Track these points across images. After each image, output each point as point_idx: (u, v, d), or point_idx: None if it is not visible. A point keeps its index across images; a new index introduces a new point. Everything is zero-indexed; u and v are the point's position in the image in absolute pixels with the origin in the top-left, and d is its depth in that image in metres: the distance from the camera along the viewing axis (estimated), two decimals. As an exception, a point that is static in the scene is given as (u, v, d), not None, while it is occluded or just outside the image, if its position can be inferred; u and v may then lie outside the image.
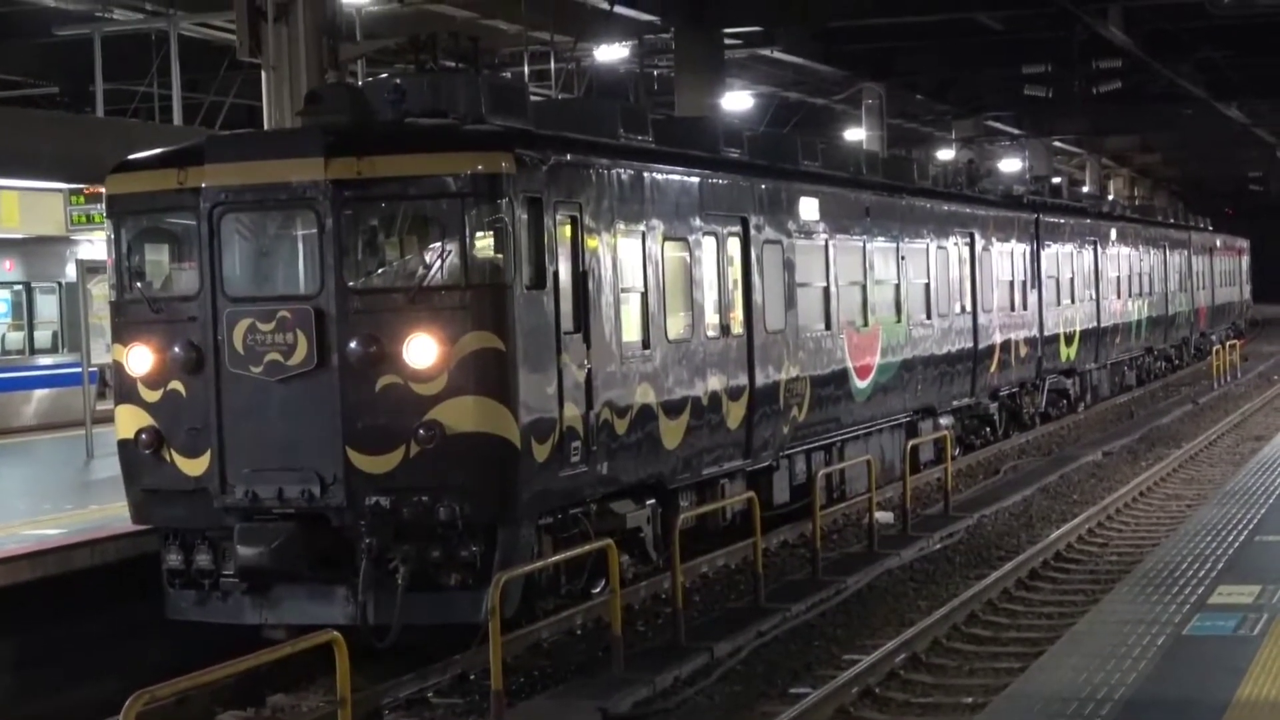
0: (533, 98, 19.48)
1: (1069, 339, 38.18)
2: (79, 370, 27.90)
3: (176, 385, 15.77)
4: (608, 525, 17.28)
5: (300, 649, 11.25)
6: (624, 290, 17.62)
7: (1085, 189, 65.64)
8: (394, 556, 15.13)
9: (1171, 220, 56.38)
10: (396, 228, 15.80)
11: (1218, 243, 64.64)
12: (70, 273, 32.72)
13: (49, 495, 20.91)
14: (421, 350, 15.12)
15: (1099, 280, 41.42)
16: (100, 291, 27.68)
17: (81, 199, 31.04)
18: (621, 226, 17.62)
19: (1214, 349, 51.48)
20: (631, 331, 17.83)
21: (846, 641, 16.52)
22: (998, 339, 32.24)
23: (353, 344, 15.20)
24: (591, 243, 16.89)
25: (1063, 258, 38.17)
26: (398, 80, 17.02)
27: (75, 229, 32.34)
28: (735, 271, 20.57)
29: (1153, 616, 13.43)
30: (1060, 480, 28.08)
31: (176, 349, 15.67)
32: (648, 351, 18.11)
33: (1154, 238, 50.07)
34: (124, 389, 16.13)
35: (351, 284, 15.38)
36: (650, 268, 18.23)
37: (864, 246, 25.21)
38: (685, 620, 16.34)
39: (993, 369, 31.93)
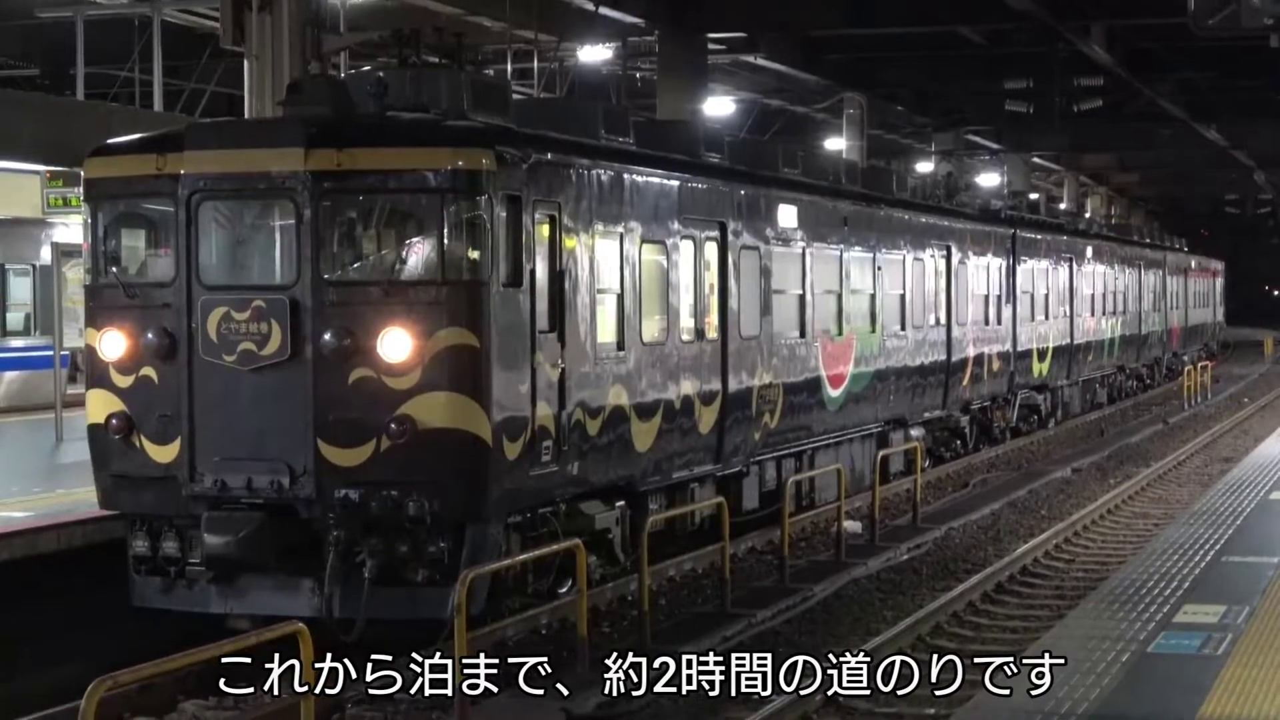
0: (515, 96, 19.46)
1: (1042, 354, 38.27)
2: (51, 353, 27.82)
3: (149, 371, 15.74)
4: (576, 525, 17.27)
5: (265, 639, 11.21)
6: (600, 291, 17.62)
7: (1062, 206, 65.80)
8: (361, 550, 15.12)
9: (1147, 240, 56.53)
10: (374, 221, 15.78)
11: (1192, 264, 64.84)
12: (45, 255, 32.62)
13: (16, 478, 20.84)
14: (395, 344, 15.10)
15: (1073, 297, 41.53)
16: (75, 275, 27.62)
17: (60, 182, 30.97)
18: (600, 227, 17.61)
19: (1186, 369, 51.62)
20: (606, 333, 17.83)
21: (811, 649, 16.48)
22: (971, 352, 32.29)
23: (326, 336, 15.18)
24: (569, 242, 16.89)
25: (1038, 273, 38.27)
26: (380, 74, 17.01)
27: (52, 211, 32.26)
28: (712, 276, 20.57)
29: (1118, 633, 13.46)
30: (1029, 495, 28.12)
31: (150, 335, 15.63)
32: (622, 353, 18.11)
33: (1129, 257, 50.22)
34: (96, 373, 16.09)
35: (327, 276, 15.35)
36: (627, 269, 18.23)
37: (841, 256, 25.24)
38: (651, 623, 16.32)
39: (965, 382, 31.98)
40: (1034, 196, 50.26)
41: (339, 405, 15.21)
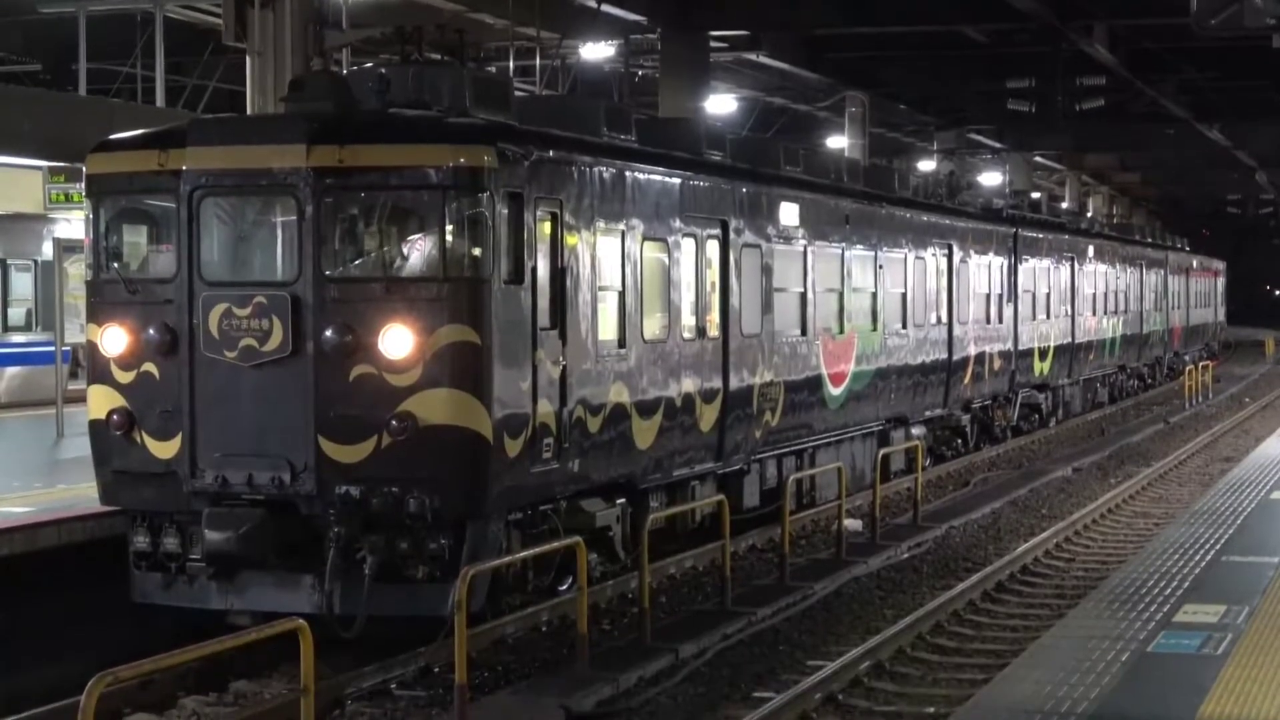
0: (516, 93, 19.45)
1: (1043, 354, 38.27)
2: (52, 349, 27.84)
3: (150, 367, 15.73)
4: (577, 523, 17.28)
5: (265, 636, 11.22)
6: (602, 289, 17.63)
7: (1064, 205, 65.82)
8: (362, 547, 15.11)
9: (1149, 240, 56.54)
10: (376, 217, 15.76)
11: (1194, 264, 64.84)
12: (47, 251, 32.63)
13: (17, 473, 20.84)
14: (397, 341, 15.10)
15: (1075, 296, 41.54)
16: (76, 271, 27.63)
17: (62, 177, 30.99)
18: (601, 225, 17.61)
19: (1187, 369, 51.63)
20: (608, 330, 17.83)
21: (811, 647, 16.53)
22: (972, 351, 32.29)
23: (328, 332, 15.18)
24: (571, 240, 16.89)
25: (1040, 272, 38.27)
26: (382, 70, 17.00)
27: (53, 207, 32.27)
28: (713, 274, 20.57)
29: (1117, 633, 13.46)
30: (1029, 494, 28.13)
31: (151, 331, 15.63)
32: (623, 351, 18.11)
33: (1131, 256, 50.22)
34: (97, 369, 16.09)
35: (329, 272, 15.34)
36: (629, 267, 18.23)
37: (842, 254, 25.24)
38: (651, 621, 16.33)
39: (966, 381, 31.98)
40: (1036, 195, 50.24)
41: (340, 402, 15.21)
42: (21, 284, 34.43)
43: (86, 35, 35.65)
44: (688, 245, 19.84)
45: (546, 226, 16.47)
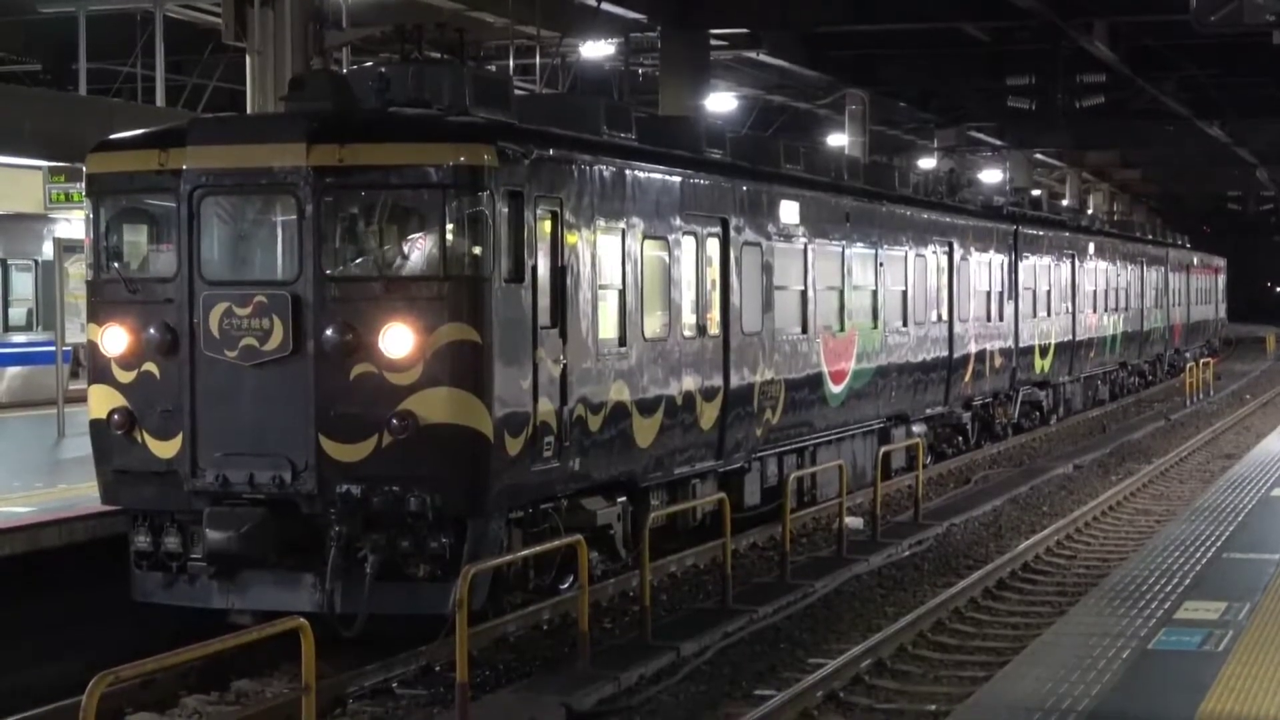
0: (517, 92, 19.45)
1: (1044, 351, 38.27)
2: (53, 349, 27.84)
3: (150, 367, 15.74)
4: (578, 521, 17.28)
5: (266, 635, 11.22)
6: (602, 287, 17.63)
7: (1065, 202, 65.81)
8: (363, 546, 15.12)
9: (1149, 237, 56.53)
10: (376, 216, 15.76)
11: (1195, 260, 64.83)
12: (47, 250, 32.63)
13: (19, 473, 20.85)
14: (397, 340, 15.11)
15: (1075, 293, 41.54)
16: (77, 270, 27.63)
17: (62, 177, 31.00)
18: (602, 223, 17.62)
19: (1188, 366, 51.64)
20: (608, 329, 17.84)
21: (812, 645, 16.54)
22: (973, 349, 32.29)
23: (328, 331, 15.18)
24: (571, 238, 16.90)
25: (1040, 270, 38.27)
26: (382, 69, 17.01)
27: (54, 207, 32.28)
28: (714, 272, 20.58)
29: (1118, 630, 13.46)
30: (1030, 492, 28.12)
31: (151, 330, 15.64)
32: (624, 349, 18.12)
33: (1131, 253, 50.21)
34: (98, 369, 16.10)
35: (329, 271, 15.35)
36: (629, 266, 18.23)
37: (843, 252, 25.25)
38: (652, 619, 16.34)
39: (967, 378, 31.98)
40: (1036, 193, 50.24)
41: (340, 400, 15.21)
42: (22, 284, 34.43)
43: (86, 35, 35.64)
44: (688, 243, 19.85)
45: (547, 225, 16.48)
